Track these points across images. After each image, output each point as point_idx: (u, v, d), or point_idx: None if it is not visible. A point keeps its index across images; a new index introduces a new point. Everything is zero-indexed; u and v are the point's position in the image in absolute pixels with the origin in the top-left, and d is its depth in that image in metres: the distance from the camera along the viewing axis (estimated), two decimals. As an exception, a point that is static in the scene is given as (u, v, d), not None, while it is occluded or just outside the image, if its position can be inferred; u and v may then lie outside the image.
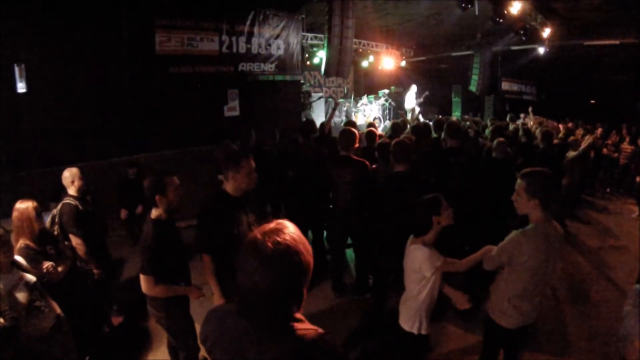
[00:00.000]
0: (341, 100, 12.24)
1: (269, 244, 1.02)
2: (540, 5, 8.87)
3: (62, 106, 5.26)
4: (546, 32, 9.60)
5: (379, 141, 4.18)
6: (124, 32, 5.69)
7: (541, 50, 10.66)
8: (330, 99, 12.03)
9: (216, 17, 6.81)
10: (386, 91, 12.45)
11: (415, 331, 2.35)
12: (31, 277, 2.36)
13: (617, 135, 8.88)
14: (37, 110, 5.08)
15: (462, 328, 3.55)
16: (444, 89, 13.93)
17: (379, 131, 5.83)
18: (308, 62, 10.76)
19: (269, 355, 1.03)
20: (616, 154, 8.47)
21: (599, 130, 8.90)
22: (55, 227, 3.18)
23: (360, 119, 11.34)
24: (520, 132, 5.93)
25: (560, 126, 8.63)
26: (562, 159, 5.89)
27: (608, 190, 8.55)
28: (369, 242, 3.93)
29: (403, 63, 12.56)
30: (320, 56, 9.51)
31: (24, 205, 2.62)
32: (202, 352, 2.57)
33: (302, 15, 8.50)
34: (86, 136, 5.38)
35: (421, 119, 10.48)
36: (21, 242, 2.59)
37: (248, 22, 7.29)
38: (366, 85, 14.61)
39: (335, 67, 7.65)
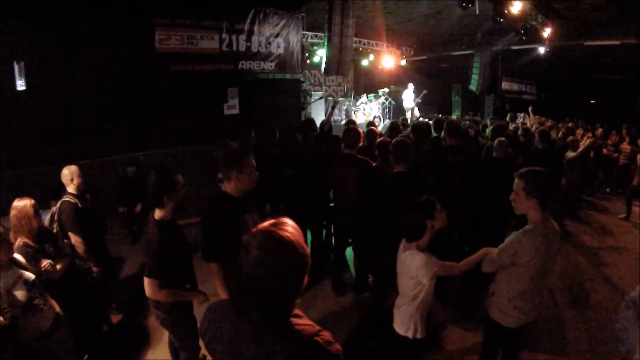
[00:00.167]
0: (341, 99, 12.22)
1: (270, 239, 1.03)
2: (541, 5, 8.85)
3: (62, 104, 5.25)
4: (546, 32, 9.58)
5: (379, 140, 4.17)
6: (124, 30, 5.67)
7: (541, 50, 10.66)
8: (329, 98, 12.01)
9: (216, 16, 6.79)
10: (386, 90, 12.43)
11: (410, 335, 2.31)
12: (30, 275, 2.36)
13: (616, 135, 8.88)
14: (36, 108, 5.06)
15: (462, 328, 3.55)
16: (444, 88, 13.92)
17: (379, 130, 5.82)
18: (308, 61, 10.73)
19: (267, 351, 1.04)
20: (616, 154, 8.47)
21: (599, 130, 8.90)
22: (54, 225, 3.18)
23: (360, 118, 11.33)
24: (520, 132, 5.93)
25: (560, 125, 8.62)
26: (562, 159, 5.90)
27: (608, 190, 8.56)
28: (369, 242, 3.92)
29: (403, 62, 12.53)
30: (321, 55, 9.49)
31: (21, 204, 2.61)
32: (203, 351, 2.57)
33: (302, 14, 8.47)
34: (85, 134, 5.37)
35: (417, 116, 10.47)
36: (20, 241, 2.59)
37: (248, 21, 7.27)
38: (366, 84, 14.60)
39: (336, 65, 7.64)
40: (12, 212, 2.61)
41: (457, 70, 13.50)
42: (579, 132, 7.93)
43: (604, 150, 8.62)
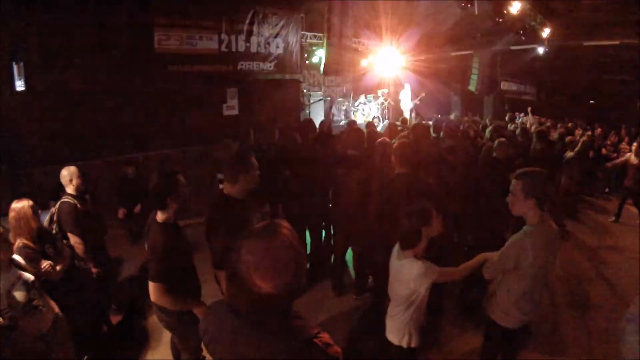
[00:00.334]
0: (340, 99, 12.22)
1: (268, 240, 1.03)
2: (540, 5, 8.87)
3: (61, 104, 5.25)
4: (546, 32, 9.61)
5: (379, 140, 4.17)
6: (123, 30, 5.67)
7: (541, 50, 10.67)
8: (328, 98, 12.02)
9: (215, 16, 6.80)
10: (385, 90, 12.43)
11: (404, 344, 2.23)
12: (29, 276, 2.35)
13: (616, 135, 8.89)
14: (35, 109, 5.07)
15: (462, 328, 3.55)
16: (443, 89, 13.92)
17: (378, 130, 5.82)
18: (307, 61, 10.74)
19: (267, 352, 1.04)
20: (615, 154, 8.48)
21: (599, 130, 8.91)
22: (54, 226, 3.17)
23: (360, 119, 11.33)
24: (518, 132, 5.93)
25: (559, 126, 8.63)
26: (561, 158, 5.90)
27: (607, 190, 8.56)
28: (369, 243, 3.92)
29: (402, 62, 12.54)
30: (320, 55, 9.49)
31: (20, 205, 2.61)
32: (204, 352, 2.56)
33: (302, 14, 8.48)
34: (85, 135, 5.37)
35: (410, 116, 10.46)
36: (19, 242, 2.58)
37: (247, 21, 7.28)
38: (365, 85, 14.59)
39: (335, 66, 7.66)
40: (11, 214, 2.60)
41: (456, 71, 13.51)
42: (578, 132, 7.94)
43: (603, 151, 8.63)
